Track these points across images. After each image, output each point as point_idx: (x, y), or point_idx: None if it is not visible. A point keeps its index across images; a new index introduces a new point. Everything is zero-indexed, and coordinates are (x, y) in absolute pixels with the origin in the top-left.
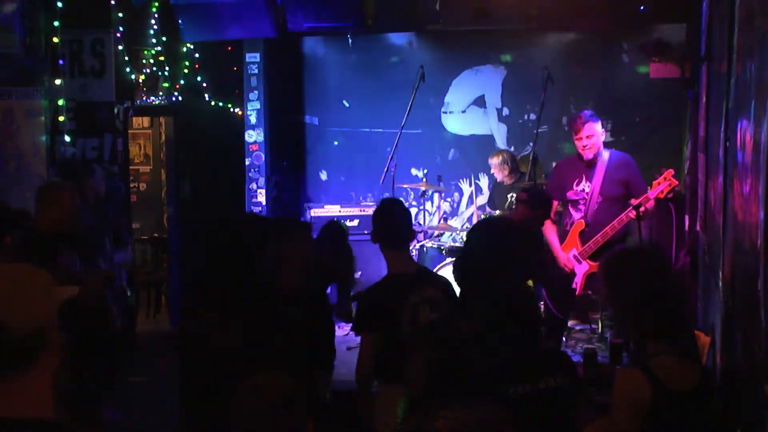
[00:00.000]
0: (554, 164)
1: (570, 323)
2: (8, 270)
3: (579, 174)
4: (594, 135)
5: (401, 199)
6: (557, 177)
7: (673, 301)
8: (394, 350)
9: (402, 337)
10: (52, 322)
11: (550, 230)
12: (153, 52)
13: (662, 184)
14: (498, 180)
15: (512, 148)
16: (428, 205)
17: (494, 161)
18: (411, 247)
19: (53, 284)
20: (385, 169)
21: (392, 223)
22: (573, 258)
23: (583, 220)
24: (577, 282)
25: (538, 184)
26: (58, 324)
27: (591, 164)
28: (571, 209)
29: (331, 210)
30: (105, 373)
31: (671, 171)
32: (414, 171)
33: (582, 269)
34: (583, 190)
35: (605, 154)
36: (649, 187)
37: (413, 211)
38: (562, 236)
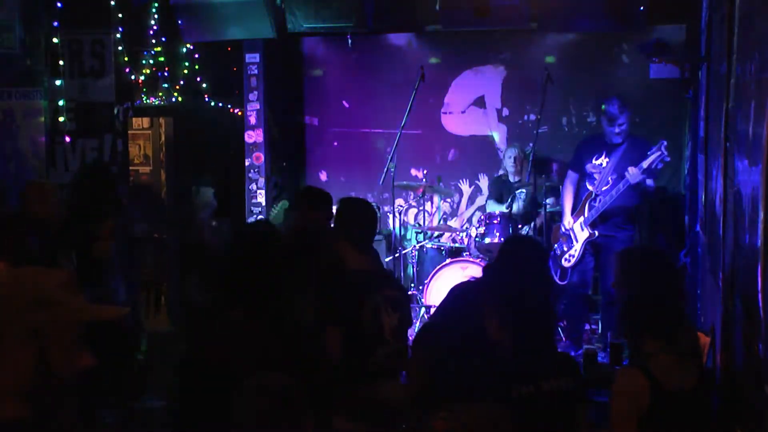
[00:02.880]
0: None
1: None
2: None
3: (600, 150)
4: (626, 122)
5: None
6: (578, 152)
7: (674, 301)
8: (354, 346)
9: (363, 334)
10: (17, 337)
11: (568, 196)
12: (153, 52)
13: (655, 155)
14: (512, 172)
15: None
16: (428, 205)
17: (512, 152)
18: (411, 248)
19: (53, 302)
20: (385, 169)
21: (359, 221)
22: (580, 225)
23: (594, 192)
24: (577, 249)
25: (538, 185)
26: (86, 359)
27: (614, 144)
28: (587, 181)
29: None
30: (105, 374)
31: (664, 142)
32: (414, 171)
33: (583, 236)
34: (601, 164)
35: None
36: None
37: (413, 211)
38: (576, 205)
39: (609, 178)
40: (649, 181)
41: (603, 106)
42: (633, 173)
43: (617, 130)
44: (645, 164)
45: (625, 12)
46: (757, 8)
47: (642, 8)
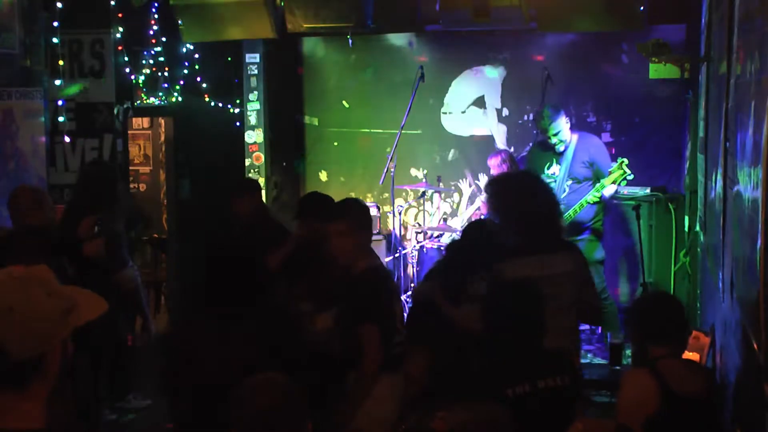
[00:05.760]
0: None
1: None
2: (27, 285)
3: (550, 158)
4: (561, 129)
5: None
6: (530, 163)
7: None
8: (386, 336)
9: (391, 323)
10: (54, 349)
11: None
12: (153, 52)
13: (615, 173)
14: None
15: (512, 149)
16: (428, 205)
17: (494, 162)
18: (411, 248)
19: (73, 306)
20: (385, 169)
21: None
22: None
23: None
24: None
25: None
26: (64, 343)
27: (560, 151)
28: None
29: None
30: (107, 377)
31: (625, 160)
32: (413, 171)
33: None
34: (554, 173)
35: (574, 138)
36: (609, 172)
37: (413, 211)
38: None
39: (565, 186)
40: (609, 193)
41: (536, 120)
42: (609, 191)
43: (554, 141)
44: (607, 182)
45: (625, 12)
46: (757, 8)
47: (642, 8)
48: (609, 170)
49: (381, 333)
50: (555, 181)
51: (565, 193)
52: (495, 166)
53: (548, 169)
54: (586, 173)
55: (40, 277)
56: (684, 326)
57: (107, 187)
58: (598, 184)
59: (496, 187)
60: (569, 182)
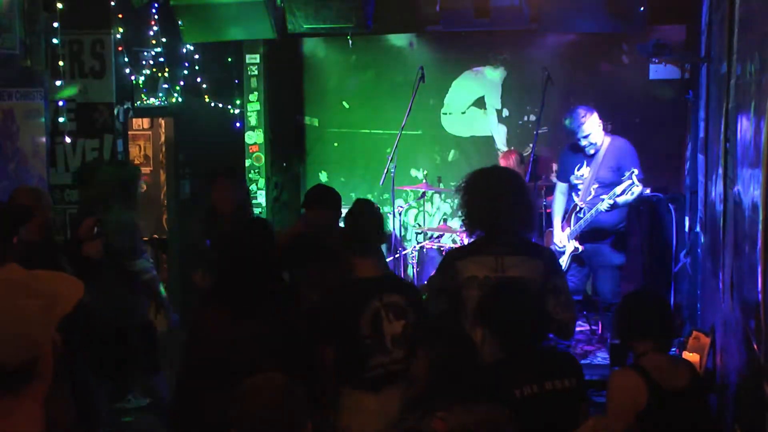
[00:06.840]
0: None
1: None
2: (8, 290)
3: (580, 159)
4: (590, 132)
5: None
6: (562, 163)
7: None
8: (356, 356)
9: (361, 343)
10: (45, 352)
11: (558, 208)
12: (153, 52)
13: (625, 183)
14: None
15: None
16: (428, 206)
17: (510, 160)
18: (411, 249)
19: (54, 297)
20: (385, 170)
21: (360, 227)
22: (566, 237)
23: (579, 203)
24: (564, 260)
25: (538, 186)
26: (56, 343)
27: (591, 154)
28: (573, 193)
29: None
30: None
31: (635, 170)
32: (414, 172)
33: (570, 248)
34: (582, 175)
35: (606, 141)
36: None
37: (413, 212)
38: (565, 216)
39: (591, 189)
40: (622, 200)
41: (566, 121)
42: (605, 204)
43: (583, 142)
44: (618, 190)
45: (625, 12)
46: (757, 9)
47: (642, 8)
48: (621, 178)
49: (341, 355)
50: (582, 183)
51: (590, 196)
52: (511, 165)
53: (578, 170)
54: (613, 177)
55: (18, 279)
56: (666, 321)
57: (117, 188)
58: (611, 192)
59: (465, 182)
60: (596, 186)
